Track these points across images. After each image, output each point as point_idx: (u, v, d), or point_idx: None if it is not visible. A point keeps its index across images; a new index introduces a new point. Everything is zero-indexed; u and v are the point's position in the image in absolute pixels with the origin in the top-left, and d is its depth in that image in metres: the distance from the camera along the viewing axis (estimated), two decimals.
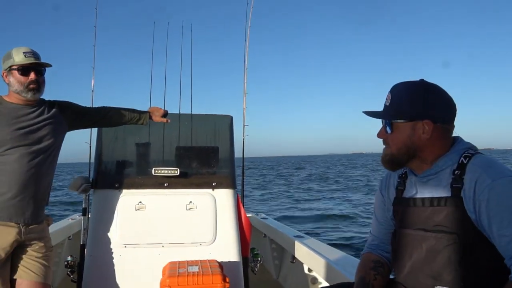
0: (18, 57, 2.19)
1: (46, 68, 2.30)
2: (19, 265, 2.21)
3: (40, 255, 2.26)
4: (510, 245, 1.19)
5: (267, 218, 4.85)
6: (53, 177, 2.40)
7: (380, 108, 1.47)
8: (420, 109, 1.36)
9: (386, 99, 1.44)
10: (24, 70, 2.20)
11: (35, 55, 2.23)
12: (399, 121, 1.39)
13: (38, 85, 2.23)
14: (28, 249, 2.23)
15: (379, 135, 1.47)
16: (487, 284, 1.25)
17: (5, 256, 2.13)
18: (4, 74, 2.24)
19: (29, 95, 2.22)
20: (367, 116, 1.46)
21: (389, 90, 1.45)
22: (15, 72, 2.20)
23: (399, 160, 1.41)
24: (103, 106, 2.66)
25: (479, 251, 1.26)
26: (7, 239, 2.13)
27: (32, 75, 2.20)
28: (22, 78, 2.20)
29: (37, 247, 2.26)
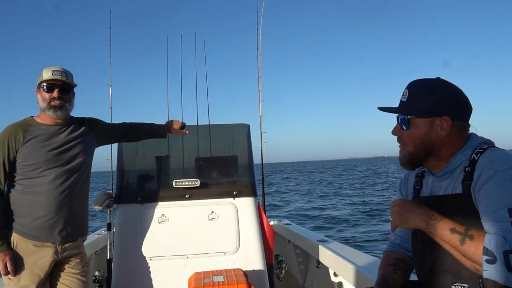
0: (47, 74, 2.22)
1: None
2: (58, 282, 2.27)
3: (77, 271, 2.31)
4: (486, 226, 1.18)
5: (290, 224, 4.82)
6: (89, 195, 2.44)
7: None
8: (439, 105, 1.36)
9: (403, 95, 1.43)
10: (49, 87, 2.22)
11: (63, 73, 2.24)
12: (416, 117, 1.39)
13: (61, 103, 2.23)
14: (65, 266, 2.29)
15: (394, 132, 1.46)
16: None
17: (44, 276, 2.19)
18: (36, 92, 2.27)
19: (50, 113, 2.22)
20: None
21: (405, 86, 1.43)
22: (41, 89, 2.23)
23: (417, 158, 1.41)
24: (125, 122, 2.70)
25: None
26: (46, 259, 2.19)
27: (55, 92, 2.21)
28: (46, 95, 2.22)
29: (74, 263, 2.31)
